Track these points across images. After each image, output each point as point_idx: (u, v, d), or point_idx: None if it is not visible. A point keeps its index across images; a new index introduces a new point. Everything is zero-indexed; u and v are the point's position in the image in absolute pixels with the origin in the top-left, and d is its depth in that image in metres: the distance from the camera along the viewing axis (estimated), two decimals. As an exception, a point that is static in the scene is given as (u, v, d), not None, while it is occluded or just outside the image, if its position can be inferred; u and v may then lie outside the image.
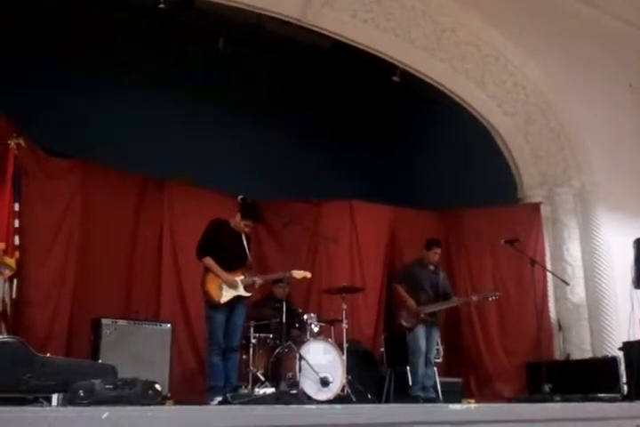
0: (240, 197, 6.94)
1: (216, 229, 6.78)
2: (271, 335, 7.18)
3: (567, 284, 8.80)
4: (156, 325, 7.47)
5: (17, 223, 6.85)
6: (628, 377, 7.52)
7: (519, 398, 7.75)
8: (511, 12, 9.32)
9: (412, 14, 8.92)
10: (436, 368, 7.93)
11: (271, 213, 7.98)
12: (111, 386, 4.00)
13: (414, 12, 8.91)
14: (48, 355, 4.96)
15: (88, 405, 3.85)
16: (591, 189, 9.42)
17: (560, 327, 9.20)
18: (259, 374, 6.90)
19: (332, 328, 7.60)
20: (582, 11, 9.93)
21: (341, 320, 7.47)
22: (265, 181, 10.33)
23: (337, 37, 9.10)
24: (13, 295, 6.71)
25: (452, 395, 7.78)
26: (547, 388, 7.20)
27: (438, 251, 7.99)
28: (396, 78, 9.79)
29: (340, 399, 6.70)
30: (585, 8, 9.93)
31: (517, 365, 8.87)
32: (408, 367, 7.84)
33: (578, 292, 9.16)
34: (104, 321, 6.98)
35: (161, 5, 8.21)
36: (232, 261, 6.70)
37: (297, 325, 7.26)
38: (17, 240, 6.81)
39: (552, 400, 6.61)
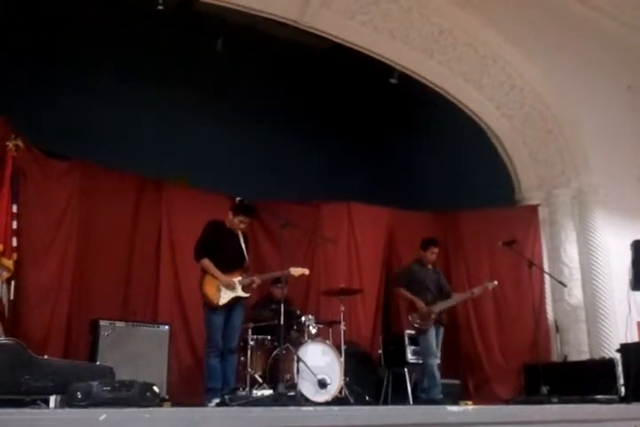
0: (238, 198, 6.93)
1: (213, 231, 6.77)
2: (269, 337, 7.19)
3: (565, 286, 8.82)
4: (154, 326, 7.47)
5: (15, 225, 6.85)
6: (625, 379, 7.53)
7: (517, 399, 7.73)
8: (509, 13, 9.32)
9: (410, 16, 8.93)
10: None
11: (269, 214, 7.97)
12: (109, 388, 4.00)
13: (412, 13, 8.91)
14: (46, 356, 4.95)
15: (86, 406, 3.84)
16: (589, 190, 9.42)
17: (557, 329, 9.20)
18: (256, 376, 6.90)
19: (330, 330, 7.59)
20: (581, 12, 9.94)
21: (339, 322, 7.47)
22: (263, 183, 10.32)
23: (335, 39, 9.11)
24: (11, 297, 6.71)
25: (450, 397, 7.76)
26: (544, 390, 7.20)
27: (436, 250, 7.94)
28: (393, 80, 9.80)
29: (337, 401, 6.70)
30: (584, 10, 9.94)
31: (515, 366, 8.87)
32: (407, 370, 7.83)
33: (575, 294, 9.16)
34: (102, 323, 6.97)
35: (159, 7, 8.22)
36: (230, 262, 6.69)
37: (295, 326, 7.26)
38: (15, 242, 6.81)
39: (549, 402, 6.61)
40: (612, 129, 9.80)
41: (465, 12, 9.03)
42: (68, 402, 3.99)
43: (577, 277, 9.21)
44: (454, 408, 4.65)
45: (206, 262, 6.61)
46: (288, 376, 6.57)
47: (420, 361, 8.05)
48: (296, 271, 6.83)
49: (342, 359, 7.04)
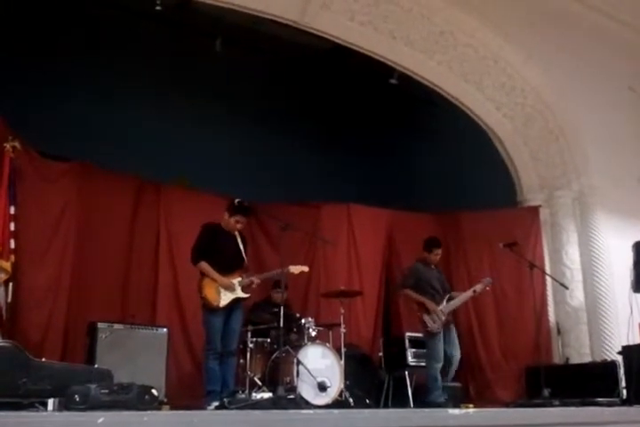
0: (237, 200, 6.89)
1: (209, 234, 6.75)
2: (269, 340, 7.15)
3: (566, 287, 8.80)
4: (153, 329, 7.43)
5: (12, 227, 6.84)
6: (627, 381, 7.48)
7: (518, 402, 7.71)
8: (509, 14, 9.30)
9: (410, 17, 8.91)
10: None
11: (268, 215, 7.94)
12: (107, 391, 3.97)
13: (412, 14, 8.90)
14: (44, 359, 4.93)
15: (84, 410, 3.82)
16: (590, 192, 9.39)
17: (559, 331, 9.17)
18: (256, 379, 6.86)
19: (330, 332, 7.55)
20: (581, 13, 9.91)
21: (339, 324, 7.43)
22: (262, 184, 10.30)
23: (335, 40, 9.10)
24: (9, 299, 6.68)
25: (451, 400, 7.72)
26: (546, 392, 7.18)
27: (439, 252, 7.91)
28: (393, 81, 9.79)
29: (337, 404, 6.65)
30: (584, 10, 9.91)
31: (516, 369, 8.84)
32: (407, 373, 7.79)
33: (577, 296, 9.13)
34: (100, 325, 6.94)
35: (157, 7, 8.21)
36: (228, 263, 6.67)
37: (294, 329, 7.23)
38: (12, 244, 6.80)
39: (551, 405, 6.59)
40: (612, 130, 9.77)
41: (465, 13, 9.02)
42: (66, 405, 3.97)
43: (578, 279, 9.18)
44: (455, 411, 4.61)
45: (204, 265, 6.58)
46: (288, 379, 6.53)
47: (422, 364, 8.03)
48: (295, 269, 6.82)
49: (342, 362, 7.00)
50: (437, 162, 11.63)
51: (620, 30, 10.25)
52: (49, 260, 7.35)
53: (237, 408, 5.29)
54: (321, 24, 8.80)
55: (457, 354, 7.66)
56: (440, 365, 7.49)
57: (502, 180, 10.09)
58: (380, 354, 8.69)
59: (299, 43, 10.11)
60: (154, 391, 4.23)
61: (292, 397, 5.88)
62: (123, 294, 7.90)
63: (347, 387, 7.00)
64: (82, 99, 9.47)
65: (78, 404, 3.88)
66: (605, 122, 9.73)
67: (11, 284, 6.72)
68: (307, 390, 6.49)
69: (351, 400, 6.95)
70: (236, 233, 6.85)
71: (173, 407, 5.94)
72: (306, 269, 6.97)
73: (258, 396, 6.19)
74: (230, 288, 6.54)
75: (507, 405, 7.84)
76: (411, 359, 8.35)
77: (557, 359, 9.03)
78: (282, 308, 6.49)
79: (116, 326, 7.08)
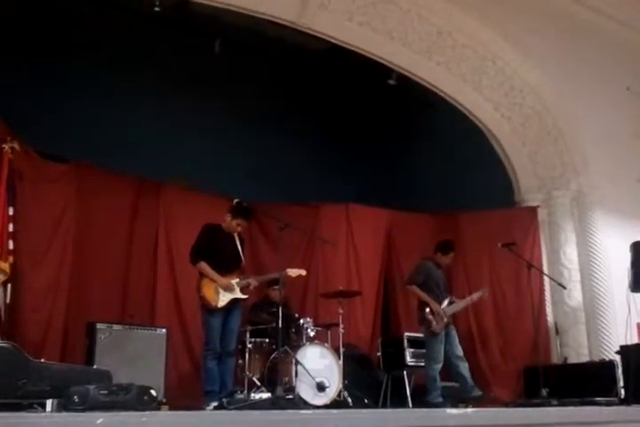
0: (236, 200, 6.90)
1: (209, 234, 6.76)
2: (267, 340, 7.15)
3: (564, 287, 8.82)
4: (152, 329, 7.43)
5: (11, 227, 6.84)
6: (625, 381, 7.49)
7: (516, 402, 7.71)
8: (508, 14, 9.30)
9: (408, 17, 8.91)
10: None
11: (268, 216, 7.95)
12: (106, 391, 3.97)
13: (410, 14, 8.89)
14: (43, 360, 4.95)
15: (83, 410, 3.82)
16: (588, 192, 9.39)
17: (557, 331, 9.17)
18: (254, 379, 6.86)
19: (329, 333, 7.55)
20: (580, 13, 9.92)
21: (338, 324, 7.43)
22: (262, 184, 10.30)
23: (333, 40, 9.09)
24: (8, 300, 6.69)
25: (450, 400, 7.72)
26: (544, 392, 7.19)
27: (452, 255, 8.04)
28: (392, 81, 9.79)
29: (336, 404, 6.67)
30: (582, 10, 9.91)
31: (514, 369, 8.84)
32: (406, 373, 7.78)
33: (575, 295, 9.14)
34: (99, 326, 6.93)
35: (156, 8, 8.21)
36: (227, 264, 6.68)
37: (293, 329, 7.23)
38: (11, 245, 6.80)
39: (549, 404, 6.61)
40: (611, 130, 9.77)
41: (464, 13, 9.01)
42: (65, 406, 3.97)
43: (576, 279, 9.18)
44: (454, 411, 4.63)
45: (203, 265, 6.60)
46: (286, 379, 6.54)
47: (420, 364, 8.05)
48: (293, 272, 6.83)
49: (341, 362, 7.01)
50: (436, 162, 11.62)
51: (620, 30, 10.26)
52: (48, 260, 7.35)
53: (236, 409, 5.29)
54: (319, 24, 8.80)
55: (460, 353, 7.70)
56: (439, 366, 7.51)
57: (500, 180, 10.09)
58: (379, 354, 8.68)
59: (297, 43, 10.11)
60: (153, 392, 4.23)
61: (290, 397, 5.88)
62: (122, 295, 7.89)
63: (345, 387, 7.01)
64: (82, 99, 9.46)
65: (77, 404, 3.88)
66: (604, 122, 9.73)
67: (10, 285, 6.73)
68: (305, 391, 6.51)
69: (350, 400, 6.97)
70: (235, 234, 6.86)
71: (172, 408, 5.95)
72: (303, 272, 6.98)
73: (256, 396, 6.20)
74: (229, 288, 6.55)
75: (505, 405, 7.83)
76: (409, 359, 8.35)
77: (556, 359, 9.03)
78: (280, 307, 6.49)
79: (115, 326, 7.07)
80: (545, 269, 9.20)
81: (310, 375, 6.56)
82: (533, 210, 9.67)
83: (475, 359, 9.12)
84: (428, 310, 7.60)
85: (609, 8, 10.03)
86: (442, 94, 9.82)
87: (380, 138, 12.33)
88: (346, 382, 7.04)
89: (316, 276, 8.85)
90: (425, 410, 6.17)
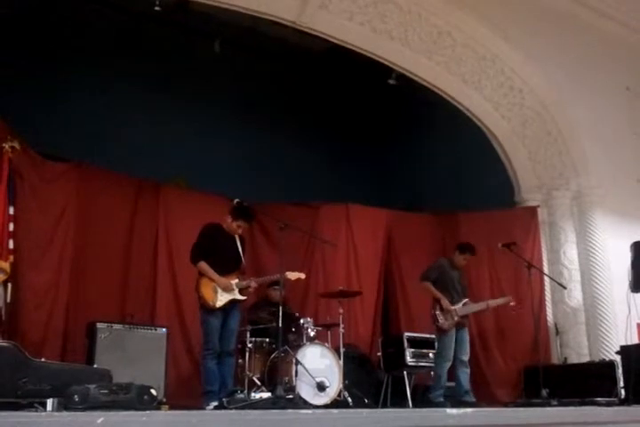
0: (236, 200, 6.89)
1: (209, 234, 6.75)
2: (267, 340, 7.15)
3: (564, 287, 8.82)
4: (152, 329, 7.42)
5: (11, 227, 6.84)
6: (625, 381, 7.49)
7: (516, 402, 7.70)
8: (508, 14, 9.30)
9: (408, 17, 8.91)
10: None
11: (267, 216, 7.94)
12: (106, 391, 3.97)
13: (410, 14, 8.90)
14: (43, 359, 4.94)
15: (83, 410, 3.81)
16: (588, 192, 9.40)
17: (557, 331, 9.17)
18: (255, 379, 6.87)
19: (329, 332, 7.56)
20: (579, 13, 9.93)
21: (338, 324, 7.43)
22: (261, 184, 10.31)
23: (333, 40, 9.09)
24: (8, 299, 6.68)
25: (450, 400, 7.72)
26: (544, 392, 7.18)
27: (467, 257, 8.03)
28: (392, 81, 9.80)
29: (336, 404, 6.66)
30: (582, 10, 9.92)
31: (514, 369, 8.85)
32: (406, 373, 7.76)
33: (575, 295, 9.14)
34: (99, 325, 6.92)
35: (156, 8, 8.22)
36: (227, 264, 6.67)
37: (293, 329, 7.23)
38: (11, 244, 6.80)
39: (549, 405, 6.59)
40: (610, 130, 9.78)
41: (463, 13, 9.02)
42: (65, 405, 3.96)
43: (576, 279, 9.18)
44: (454, 411, 4.61)
45: (203, 265, 6.59)
46: (286, 379, 6.53)
47: (421, 364, 8.05)
48: (292, 275, 6.82)
49: (341, 362, 7.01)
50: (436, 162, 11.63)
51: (620, 30, 10.27)
52: (48, 260, 7.34)
53: (236, 408, 5.28)
54: (319, 24, 8.80)
55: (465, 358, 7.70)
56: (448, 364, 7.55)
57: (500, 180, 10.09)
58: (379, 354, 8.67)
59: (297, 43, 10.13)
60: (153, 391, 4.22)
61: (290, 397, 5.86)
62: (122, 294, 7.88)
63: (345, 387, 7.00)
64: (81, 99, 9.47)
65: (77, 404, 3.88)
66: (603, 122, 9.73)
67: (10, 284, 6.73)
68: (305, 390, 6.50)
69: (350, 400, 6.96)
70: (236, 235, 6.86)
71: (172, 407, 5.92)
72: (302, 276, 6.98)
73: (257, 396, 6.19)
74: (228, 289, 6.54)
75: (505, 405, 7.84)
76: (409, 359, 8.34)
77: (556, 359, 9.03)
78: (280, 306, 6.48)
79: (116, 326, 7.07)
80: (545, 269, 9.20)
81: (310, 375, 6.55)
82: (533, 210, 9.67)
83: (475, 359, 9.11)
84: (437, 306, 7.64)
85: (609, 9, 10.04)
86: (442, 94, 9.82)
87: (380, 138, 12.34)
88: (346, 381, 7.04)
89: (316, 276, 8.85)
90: (425, 410, 6.16)
